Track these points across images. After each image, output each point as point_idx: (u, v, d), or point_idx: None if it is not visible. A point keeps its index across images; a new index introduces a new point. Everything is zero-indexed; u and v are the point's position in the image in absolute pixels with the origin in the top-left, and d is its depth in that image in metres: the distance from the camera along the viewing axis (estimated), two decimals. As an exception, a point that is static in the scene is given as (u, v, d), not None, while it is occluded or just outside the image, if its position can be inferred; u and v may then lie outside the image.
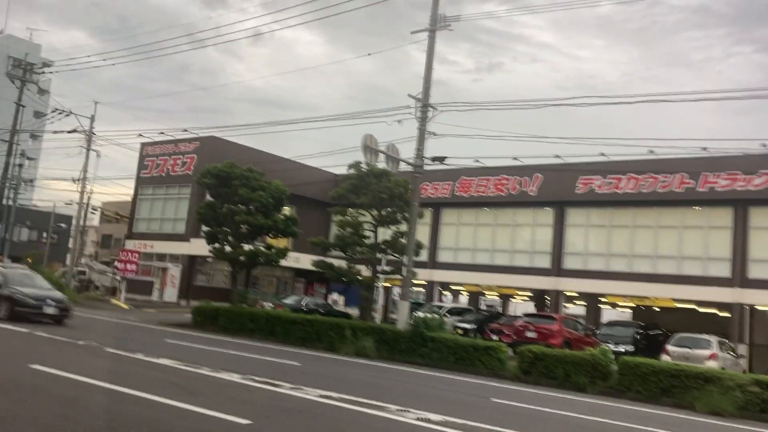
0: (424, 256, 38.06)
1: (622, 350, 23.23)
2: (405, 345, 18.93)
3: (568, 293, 35.89)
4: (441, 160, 19.74)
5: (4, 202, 36.71)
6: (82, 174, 39.70)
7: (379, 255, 20.92)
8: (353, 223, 20.91)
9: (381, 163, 21.30)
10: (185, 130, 38.05)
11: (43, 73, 37.29)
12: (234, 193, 23.99)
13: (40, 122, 72.27)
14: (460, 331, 32.33)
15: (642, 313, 43.70)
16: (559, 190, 35.21)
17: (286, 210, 26.15)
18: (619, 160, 32.13)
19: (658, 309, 39.16)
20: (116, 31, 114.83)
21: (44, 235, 68.42)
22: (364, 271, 22.58)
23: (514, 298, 57.83)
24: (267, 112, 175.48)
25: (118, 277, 42.59)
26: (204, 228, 25.84)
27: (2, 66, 73.63)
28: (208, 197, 25.63)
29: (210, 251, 25.24)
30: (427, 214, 40.74)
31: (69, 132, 40.71)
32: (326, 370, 14.79)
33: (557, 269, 35.31)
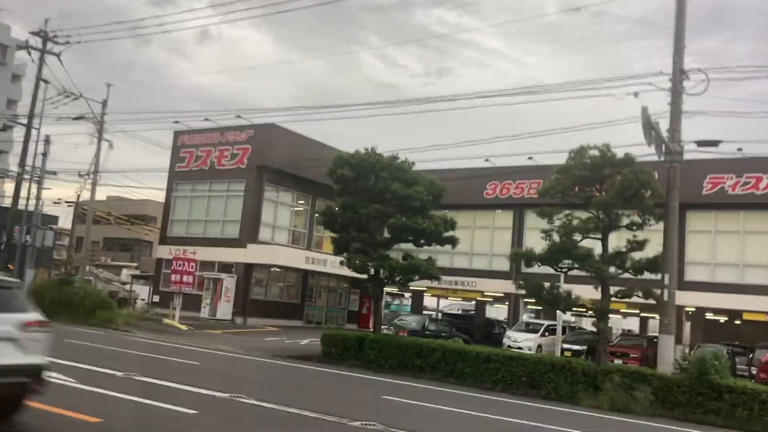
0: (503, 265, 33.23)
1: None
2: (684, 397, 13.85)
3: (688, 309, 31.41)
4: (713, 144, 14.80)
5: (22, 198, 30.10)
6: (93, 167, 33.46)
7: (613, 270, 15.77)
8: (571, 229, 15.70)
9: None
10: (239, 116, 32.30)
11: (68, 43, 30.78)
12: (380, 188, 18.47)
13: (12, 110, 64.58)
14: (568, 354, 27.54)
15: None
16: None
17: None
18: (756, 156, 28.02)
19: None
20: (57, 27, 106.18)
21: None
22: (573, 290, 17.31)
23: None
24: (214, 113, 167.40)
25: (134, 293, 36.36)
26: (331, 234, 20.22)
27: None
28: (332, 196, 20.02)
29: (343, 263, 19.60)
30: (508, 216, 35.88)
31: (75, 119, 34.49)
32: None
33: (677, 281, 30.70)
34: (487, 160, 32.14)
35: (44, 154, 30.22)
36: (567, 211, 16.31)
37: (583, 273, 17.26)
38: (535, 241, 35.10)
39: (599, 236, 15.97)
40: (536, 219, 35.54)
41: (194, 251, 32.71)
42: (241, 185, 32.60)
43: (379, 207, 18.36)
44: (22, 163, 29.76)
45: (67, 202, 63.31)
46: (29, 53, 30.71)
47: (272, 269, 32.68)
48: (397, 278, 18.88)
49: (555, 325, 33.73)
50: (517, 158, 36.82)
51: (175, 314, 27.43)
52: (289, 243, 33.77)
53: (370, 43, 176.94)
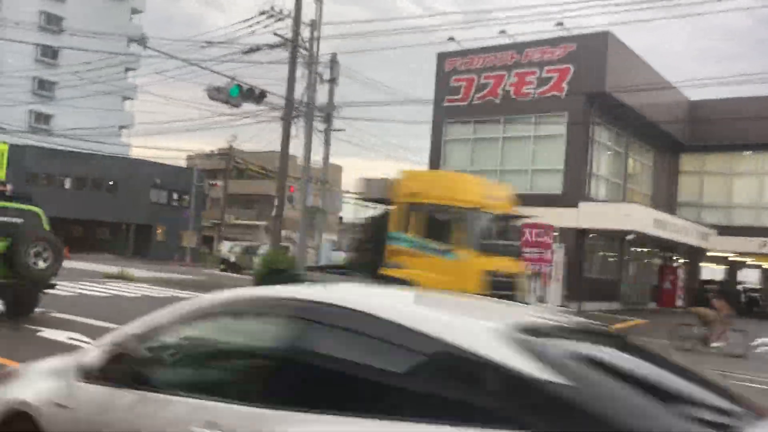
0: None
1: None
2: None
3: None
4: None
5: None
6: (309, 105, 24.94)
7: None
8: None
9: None
10: (560, 24, 23.29)
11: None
12: None
13: (135, 55, 56.77)
14: None
15: None
16: None
17: None
18: None
19: None
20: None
21: (174, 197, 53.11)
22: None
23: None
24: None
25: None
26: None
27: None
28: None
29: None
30: None
31: (273, 47, 25.85)
32: None
33: None
34: None
35: (332, 80, 21.71)
36: None
37: None
38: None
39: None
40: None
41: (487, 212, 24.16)
42: (561, 121, 23.72)
43: None
44: (289, 95, 21.51)
45: (219, 153, 55.78)
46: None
47: (628, 237, 24.02)
48: None
49: None
50: None
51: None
52: (607, 198, 25.02)
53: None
